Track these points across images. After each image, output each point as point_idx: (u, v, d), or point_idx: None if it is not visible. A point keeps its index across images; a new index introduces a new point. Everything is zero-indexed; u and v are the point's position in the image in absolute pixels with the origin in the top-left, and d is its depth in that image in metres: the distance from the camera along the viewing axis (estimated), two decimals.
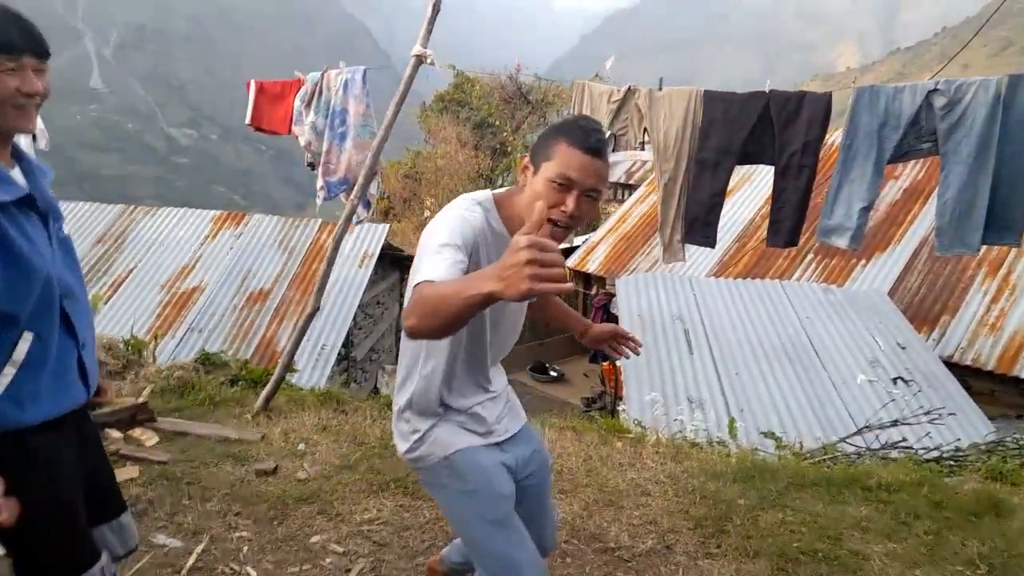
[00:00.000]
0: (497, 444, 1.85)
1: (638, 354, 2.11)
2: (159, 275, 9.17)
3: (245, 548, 2.78)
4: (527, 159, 1.60)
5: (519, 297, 1.11)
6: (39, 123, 6.01)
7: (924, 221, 9.18)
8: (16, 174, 1.52)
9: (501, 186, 22.47)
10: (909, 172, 9.94)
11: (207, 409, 3.91)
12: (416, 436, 1.80)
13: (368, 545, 2.85)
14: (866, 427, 5.19)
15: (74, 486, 1.58)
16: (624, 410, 5.59)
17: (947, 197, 3.84)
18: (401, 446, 1.84)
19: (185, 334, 8.15)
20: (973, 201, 3.80)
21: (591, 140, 1.52)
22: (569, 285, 1.13)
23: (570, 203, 1.51)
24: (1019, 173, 3.71)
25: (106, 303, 8.60)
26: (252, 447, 3.50)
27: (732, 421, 5.00)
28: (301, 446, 3.57)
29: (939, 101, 3.81)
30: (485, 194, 1.68)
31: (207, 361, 4.36)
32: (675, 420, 5.36)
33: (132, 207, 10.45)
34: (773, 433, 4.79)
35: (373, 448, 3.59)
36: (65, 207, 10.50)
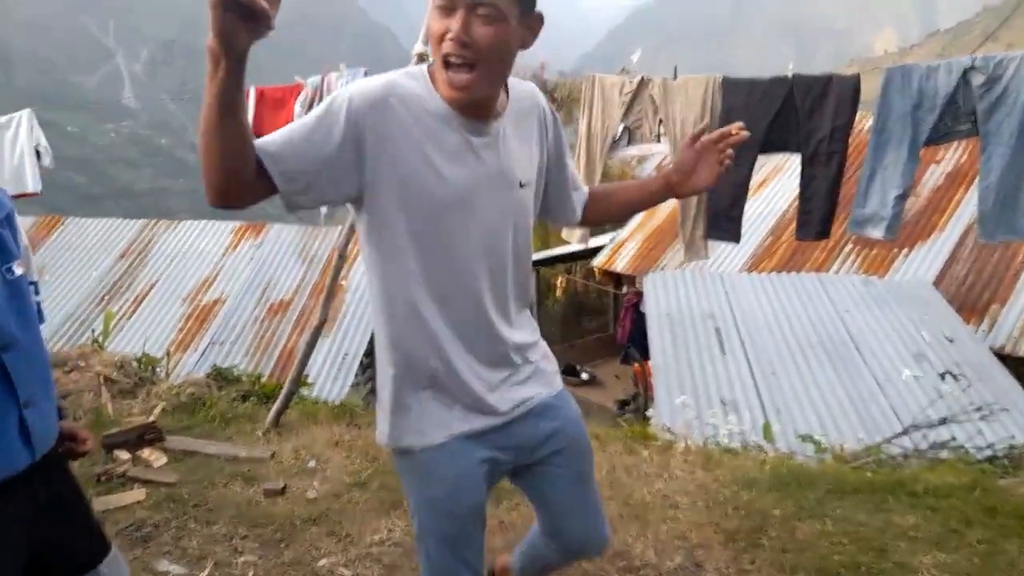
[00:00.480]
0: (493, 427, 1.45)
1: (746, 133, 1.60)
2: (181, 288, 9.23)
3: (250, 573, 2.67)
4: None
5: (219, 25, 1.00)
6: (41, 138, 6.11)
7: (969, 206, 8.75)
8: None
9: None
10: (951, 155, 9.52)
11: (218, 426, 3.83)
12: (383, 412, 1.46)
13: (377, 568, 2.72)
14: (912, 426, 4.91)
15: (13, 562, 1.42)
16: (652, 415, 5.39)
17: (989, 181, 3.59)
18: (377, 428, 1.51)
19: (207, 348, 8.17)
20: (1018, 184, 3.54)
21: None
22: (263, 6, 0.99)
23: (453, 25, 1.19)
24: None
25: (129, 319, 8.69)
26: (261, 466, 3.40)
27: (767, 424, 4.77)
28: (312, 463, 3.46)
29: (977, 79, 3.55)
30: (421, 66, 1.39)
31: (220, 376, 4.29)
32: (707, 424, 5.14)
33: (154, 221, 10.57)
34: (811, 436, 4.55)
35: (385, 464, 3.46)
36: (86, 224, 10.65)
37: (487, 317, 1.41)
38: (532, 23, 1.28)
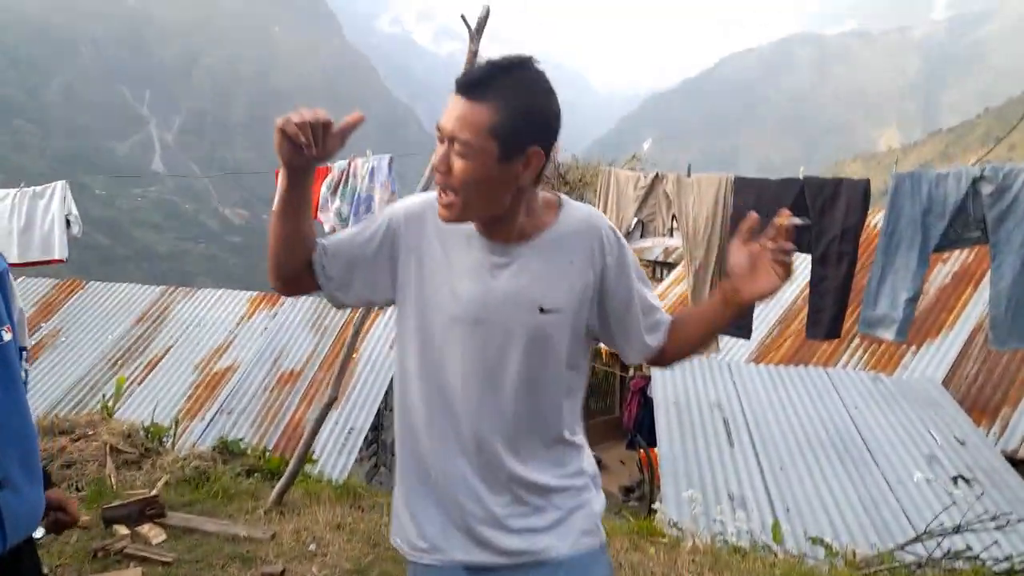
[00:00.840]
0: (494, 567, 1.35)
1: (796, 219, 1.35)
2: (194, 355, 9.27)
3: None
4: None
5: (276, 146, 1.20)
6: (72, 208, 6.31)
7: (977, 306, 8.76)
8: None
9: None
10: (957, 256, 9.61)
11: (221, 502, 3.78)
12: (395, 506, 1.48)
13: None
14: (926, 533, 4.76)
15: None
16: (658, 509, 5.27)
17: (1000, 289, 3.61)
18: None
19: (214, 416, 8.13)
20: None
21: (460, 78, 1.27)
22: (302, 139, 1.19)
23: (436, 155, 1.28)
24: None
25: (140, 384, 8.71)
26: (261, 547, 3.34)
27: (776, 524, 4.65)
28: (312, 546, 3.40)
29: (986, 188, 3.64)
30: None
31: (225, 449, 4.27)
32: (715, 521, 5.02)
33: (173, 288, 10.73)
34: (822, 539, 4.43)
35: (388, 550, 3.39)
36: (106, 288, 10.76)
37: (490, 446, 1.35)
38: (528, 159, 1.28)
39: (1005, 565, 4.43)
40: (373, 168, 4.64)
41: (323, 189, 4.98)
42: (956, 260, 9.60)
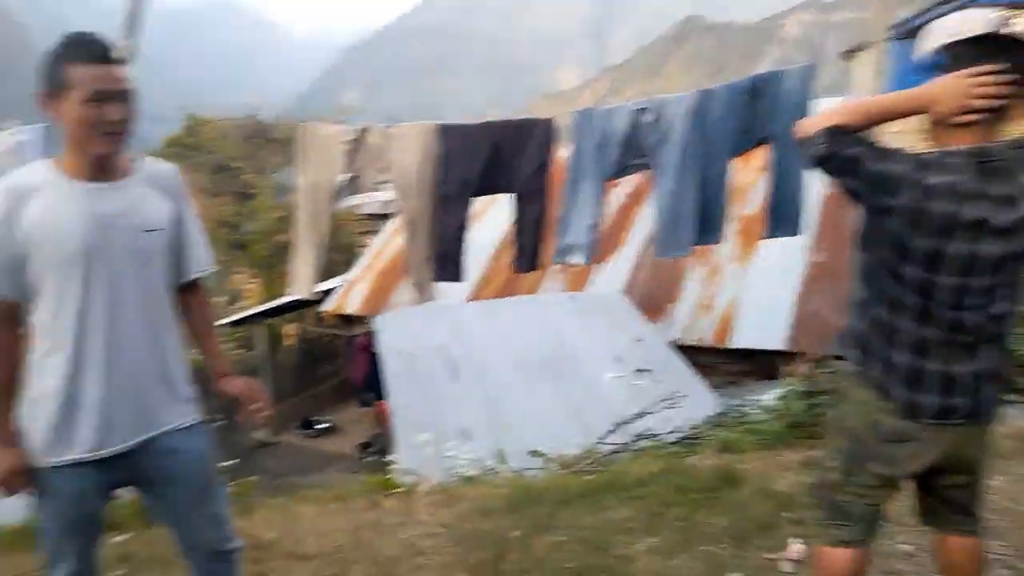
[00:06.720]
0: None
1: None
2: None
3: None
4: (43, 96, 1.77)
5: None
6: None
7: (642, 224, 10.11)
8: None
9: (250, 233, 19.88)
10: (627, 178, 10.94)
11: None
12: None
13: None
14: (618, 424, 5.52)
15: None
16: (394, 459, 5.35)
17: (661, 206, 4.11)
18: None
19: None
20: (682, 208, 4.09)
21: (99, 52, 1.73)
22: None
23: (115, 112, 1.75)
24: (715, 178, 4.08)
25: None
26: None
27: (501, 450, 5.03)
28: None
29: (648, 118, 4.06)
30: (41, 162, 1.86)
31: None
32: (446, 458, 5.25)
33: None
34: (538, 451, 4.90)
35: None
36: None
37: None
38: None
39: (677, 435, 5.34)
40: (23, 143, 3.77)
41: None
42: (625, 181, 10.96)
